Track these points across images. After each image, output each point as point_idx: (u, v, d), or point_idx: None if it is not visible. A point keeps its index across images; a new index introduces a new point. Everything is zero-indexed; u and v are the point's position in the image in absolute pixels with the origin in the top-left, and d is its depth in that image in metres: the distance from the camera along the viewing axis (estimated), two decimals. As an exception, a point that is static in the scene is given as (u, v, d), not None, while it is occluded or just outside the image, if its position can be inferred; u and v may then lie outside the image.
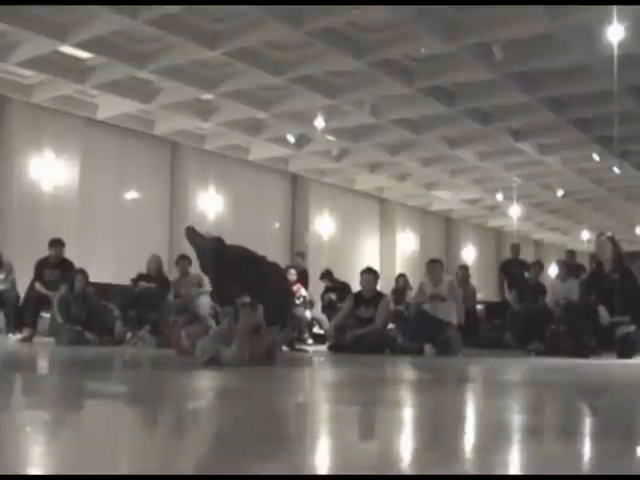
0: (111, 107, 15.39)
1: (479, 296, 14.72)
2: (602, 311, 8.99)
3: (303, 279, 13.65)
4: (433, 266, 10.36)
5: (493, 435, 2.48)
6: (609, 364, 8.28)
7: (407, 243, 24.51)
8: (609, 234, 9.76)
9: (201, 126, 16.88)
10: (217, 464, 1.89)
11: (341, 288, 13.68)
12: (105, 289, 11.92)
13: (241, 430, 2.59)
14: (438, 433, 2.55)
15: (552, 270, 14.49)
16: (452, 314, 10.02)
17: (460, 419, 3.06)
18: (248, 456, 2.00)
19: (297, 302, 12.78)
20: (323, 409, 3.32)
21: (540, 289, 12.09)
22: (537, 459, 2.02)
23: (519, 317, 11.41)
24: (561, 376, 6.37)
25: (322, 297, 14.00)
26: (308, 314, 13.00)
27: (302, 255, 15.36)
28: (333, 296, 13.58)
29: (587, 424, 2.98)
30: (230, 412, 3.13)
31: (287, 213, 21.04)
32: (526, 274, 12.87)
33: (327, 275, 14.21)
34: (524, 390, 4.93)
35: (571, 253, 14.58)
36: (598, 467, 1.92)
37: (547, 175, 21.00)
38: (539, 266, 13.03)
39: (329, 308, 13.63)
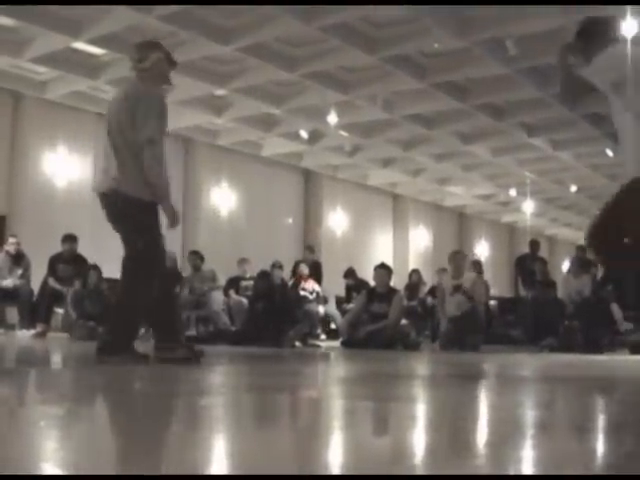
0: (124, 103, 15.41)
1: (492, 292, 14.70)
2: (615, 311, 8.99)
3: (315, 273, 13.58)
4: (453, 256, 10.47)
5: (507, 431, 2.48)
6: (622, 360, 8.27)
7: (420, 239, 24.48)
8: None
9: (214, 122, 16.90)
10: (226, 459, 1.89)
11: (363, 286, 13.65)
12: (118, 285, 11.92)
13: (250, 427, 2.60)
14: (451, 428, 2.55)
15: (565, 266, 14.49)
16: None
17: (473, 415, 3.05)
18: (256, 452, 2.01)
19: (310, 297, 12.79)
20: (336, 404, 3.32)
21: (548, 284, 12.07)
22: (551, 455, 2.02)
23: (529, 312, 11.39)
24: (575, 372, 6.36)
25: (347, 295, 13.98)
26: (321, 310, 13.00)
27: (311, 248, 15.24)
28: (355, 294, 13.53)
29: (601, 420, 2.97)
30: (241, 408, 3.14)
31: (300, 209, 21.03)
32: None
33: (350, 274, 14.17)
34: (537, 386, 4.92)
35: (582, 249, 14.46)
36: (612, 463, 1.92)
37: (560, 171, 20.96)
38: (542, 262, 13.08)
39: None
